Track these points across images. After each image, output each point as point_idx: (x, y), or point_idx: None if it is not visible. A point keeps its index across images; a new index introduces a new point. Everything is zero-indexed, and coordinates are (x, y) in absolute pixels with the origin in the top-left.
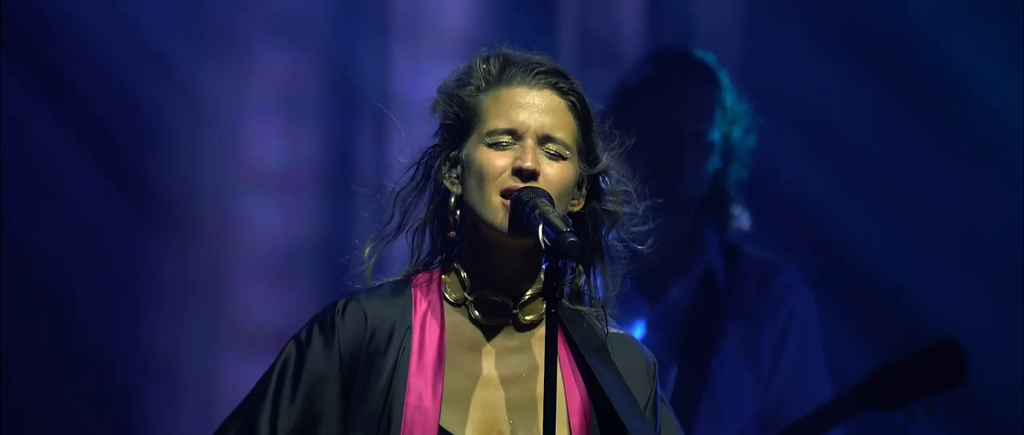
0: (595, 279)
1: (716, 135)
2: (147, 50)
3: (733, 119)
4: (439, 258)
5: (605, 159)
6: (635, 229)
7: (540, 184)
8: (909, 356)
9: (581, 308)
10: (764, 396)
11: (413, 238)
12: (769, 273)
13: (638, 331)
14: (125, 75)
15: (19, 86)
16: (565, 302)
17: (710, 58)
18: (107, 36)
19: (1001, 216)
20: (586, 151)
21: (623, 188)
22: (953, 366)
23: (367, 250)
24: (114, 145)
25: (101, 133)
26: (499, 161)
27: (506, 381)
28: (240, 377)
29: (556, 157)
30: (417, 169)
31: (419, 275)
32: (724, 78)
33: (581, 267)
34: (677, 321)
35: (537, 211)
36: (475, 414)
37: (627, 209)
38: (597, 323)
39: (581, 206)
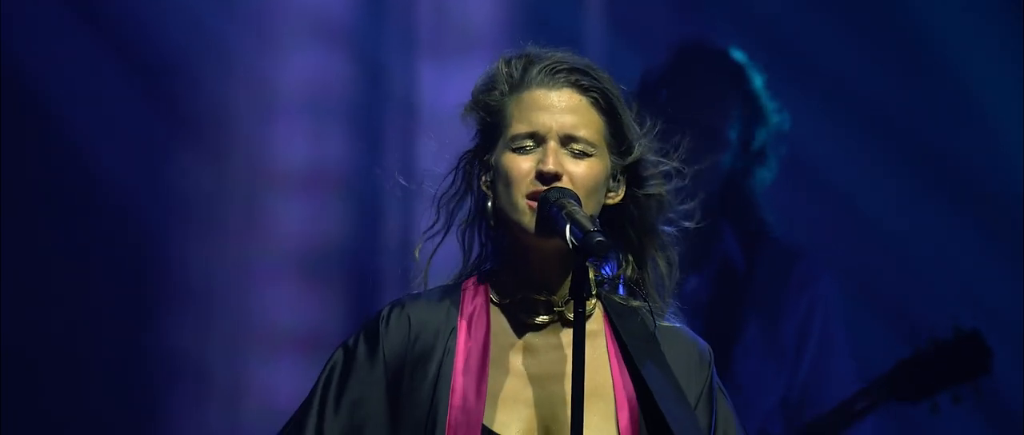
0: (650, 268)
1: (733, 133)
2: (174, 50)
3: (760, 121)
4: (487, 262)
5: (639, 146)
6: (681, 207)
7: (565, 184)
8: (933, 348)
9: (633, 301)
10: (788, 386)
11: (463, 241)
12: (789, 261)
13: None
14: (152, 75)
15: (45, 82)
16: (616, 297)
17: (740, 56)
18: (134, 36)
19: None
20: (616, 143)
21: (661, 168)
22: (978, 358)
23: (417, 252)
24: (141, 145)
25: (128, 133)
26: (523, 164)
27: (551, 378)
28: (266, 378)
29: (581, 155)
30: (456, 174)
31: (469, 279)
32: (757, 79)
33: (630, 258)
34: (697, 315)
35: (564, 211)
36: (521, 413)
37: (669, 187)
38: (648, 316)
39: (620, 197)
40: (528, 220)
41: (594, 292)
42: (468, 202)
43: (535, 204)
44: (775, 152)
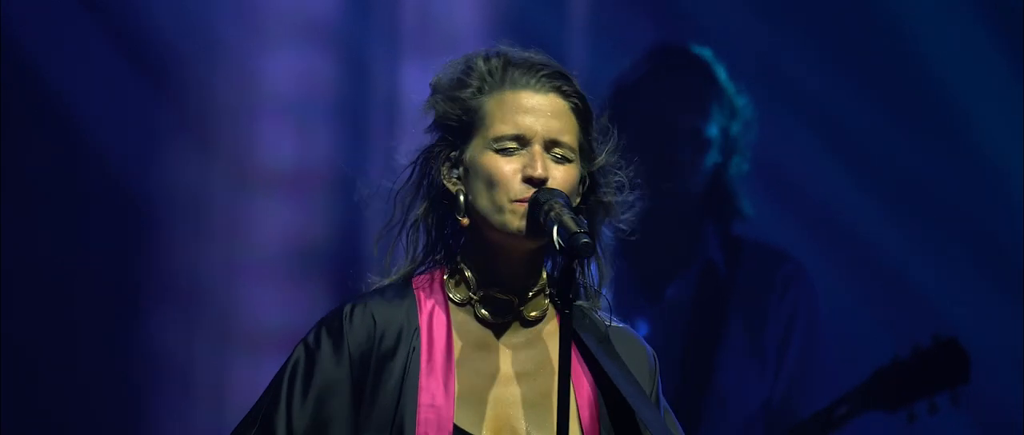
0: (591, 270)
1: (713, 130)
2: (157, 50)
3: (732, 113)
4: (439, 256)
5: (602, 155)
6: (623, 216)
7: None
8: (911, 356)
9: (581, 302)
10: (771, 388)
11: (407, 236)
12: (771, 264)
13: (640, 328)
14: (135, 75)
15: (26, 85)
16: (557, 297)
17: (706, 53)
18: (117, 36)
19: (1006, 215)
20: (587, 150)
21: (616, 179)
22: (956, 366)
23: (376, 249)
24: (124, 146)
25: (111, 134)
26: (507, 167)
27: (516, 377)
28: (251, 379)
29: (562, 160)
30: (414, 168)
31: (420, 276)
32: (721, 72)
33: (582, 262)
34: (679, 317)
35: (552, 213)
36: (488, 411)
37: (619, 198)
38: (598, 317)
39: (577, 202)
40: (517, 222)
41: (573, 297)
42: (420, 195)
43: (522, 206)
44: (747, 140)
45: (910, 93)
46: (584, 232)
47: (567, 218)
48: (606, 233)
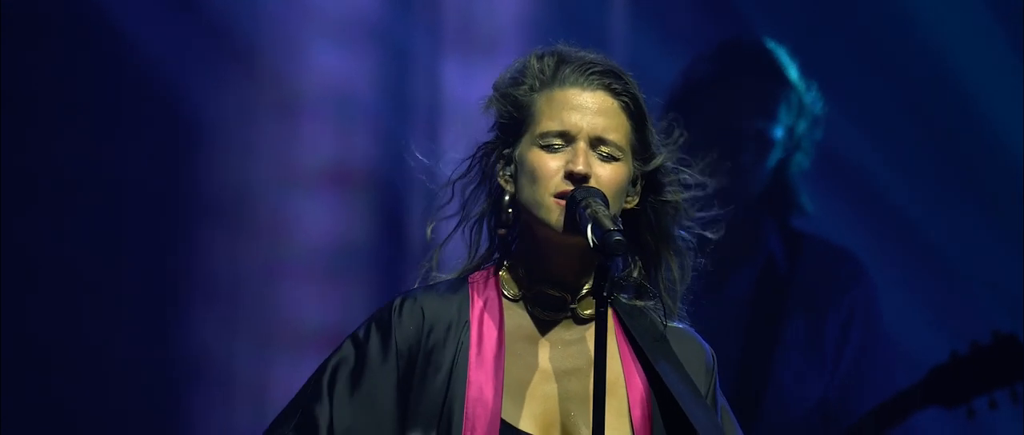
0: (663, 271)
1: (779, 132)
2: (200, 48)
3: (800, 113)
4: (495, 255)
5: (661, 155)
6: (701, 215)
7: (592, 185)
8: (970, 352)
9: (640, 302)
10: (828, 385)
11: (470, 234)
12: (832, 261)
13: (699, 323)
14: (178, 73)
15: (70, 86)
16: (622, 297)
17: (780, 51)
18: (160, 34)
19: None
20: (640, 150)
21: (681, 177)
22: (1016, 362)
23: (429, 230)
24: (167, 144)
25: (154, 132)
26: (552, 163)
27: (565, 374)
28: (292, 376)
29: (608, 159)
30: (472, 165)
31: (475, 273)
32: (793, 72)
33: (638, 261)
34: (740, 311)
35: (589, 210)
36: (535, 406)
37: (687, 196)
38: (656, 317)
39: (635, 202)
40: (555, 218)
41: (614, 292)
42: (482, 194)
43: (562, 202)
44: (811, 137)
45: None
46: (617, 230)
47: (602, 216)
48: (684, 234)
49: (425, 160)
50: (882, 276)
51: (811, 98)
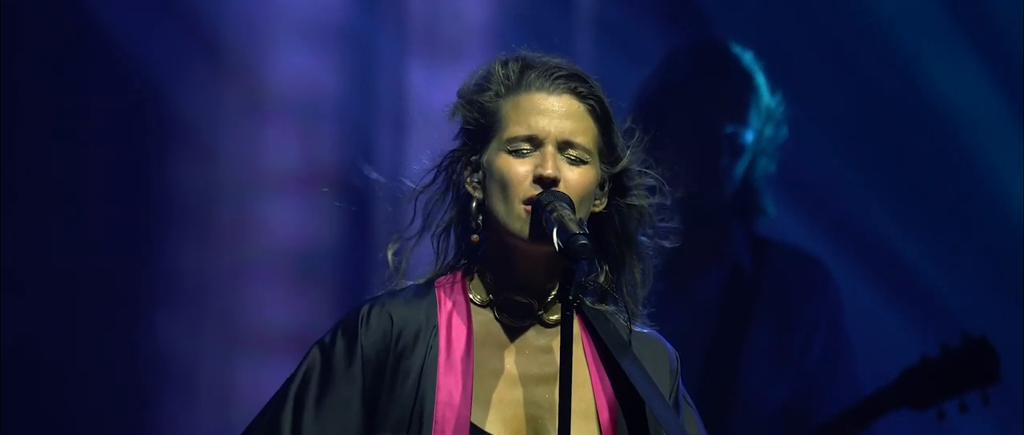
0: (625, 276)
1: (750, 136)
2: (164, 50)
3: (767, 116)
4: (463, 261)
5: (626, 157)
6: (662, 224)
7: (561, 190)
8: (940, 355)
9: (605, 307)
10: (793, 388)
11: (438, 242)
12: (798, 267)
13: (666, 327)
14: (143, 75)
15: (35, 85)
16: (587, 302)
17: (747, 56)
18: (125, 35)
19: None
20: (607, 152)
21: (647, 182)
22: (986, 365)
23: (390, 252)
24: (132, 146)
25: (119, 133)
26: (520, 168)
27: (534, 379)
28: (257, 380)
29: (577, 162)
30: (437, 173)
31: (442, 277)
32: (760, 76)
33: (605, 266)
34: (707, 314)
35: (554, 214)
36: (505, 412)
37: (652, 201)
38: (621, 321)
39: (603, 205)
40: (522, 226)
41: (579, 296)
42: (447, 201)
43: (530, 208)
44: (776, 141)
45: (910, 99)
46: (582, 233)
47: (567, 220)
48: (643, 240)
49: (382, 178)
50: (848, 280)
51: (775, 101)
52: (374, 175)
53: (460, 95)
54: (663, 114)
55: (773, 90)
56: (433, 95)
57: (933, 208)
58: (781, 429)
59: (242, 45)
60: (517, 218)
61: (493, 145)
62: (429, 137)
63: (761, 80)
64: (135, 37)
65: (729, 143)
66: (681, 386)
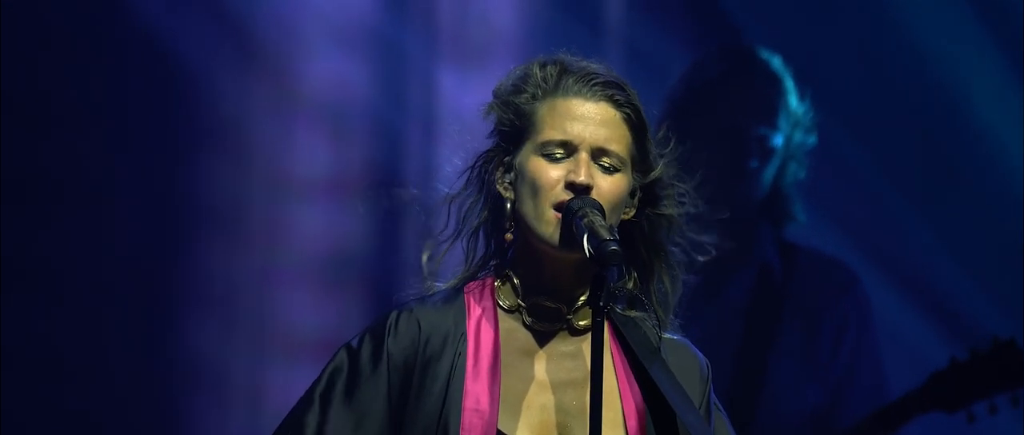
0: (655, 284)
1: (779, 140)
2: (194, 56)
3: (796, 122)
4: (492, 264)
5: (659, 167)
6: (693, 236)
7: (593, 197)
8: (969, 358)
9: (634, 313)
10: (822, 393)
11: (467, 243)
12: (827, 271)
13: (694, 331)
14: (173, 81)
15: (66, 86)
16: (617, 308)
17: (776, 60)
18: (155, 42)
19: None
20: (640, 161)
21: (677, 191)
22: (1015, 367)
23: (425, 256)
24: (163, 151)
25: (151, 136)
26: (553, 173)
27: (562, 385)
28: (287, 384)
29: (610, 170)
30: (470, 173)
31: (472, 282)
32: (789, 81)
33: (634, 273)
34: (735, 318)
35: (585, 220)
36: (532, 418)
37: (681, 210)
38: (651, 328)
39: (632, 214)
40: (552, 231)
41: (610, 302)
42: (480, 203)
43: (561, 215)
44: (805, 147)
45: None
46: (613, 239)
47: (598, 226)
48: (674, 250)
49: (413, 190)
50: (875, 285)
51: (805, 106)
52: (405, 194)
53: (496, 95)
54: (694, 115)
55: (801, 96)
56: (462, 99)
57: (961, 212)
58: (809, 432)
59: (274, 48)
60: (547, 223)
61: (527, 147)
62: (459, 140)
63: (790, 85)
64: (167, 40)
65: (758, 145)
66: (712, 394)
